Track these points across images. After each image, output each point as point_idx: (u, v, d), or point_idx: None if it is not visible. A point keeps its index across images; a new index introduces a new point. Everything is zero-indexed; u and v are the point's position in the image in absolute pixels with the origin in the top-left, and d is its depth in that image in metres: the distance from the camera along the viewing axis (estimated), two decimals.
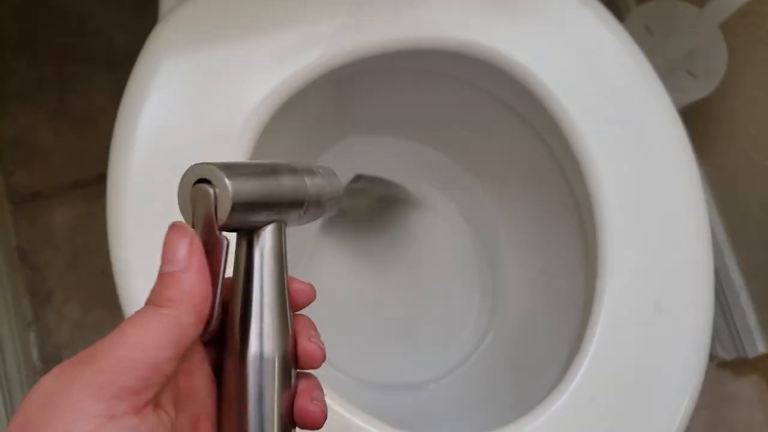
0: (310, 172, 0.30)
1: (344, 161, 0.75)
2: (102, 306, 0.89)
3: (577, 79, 0.56)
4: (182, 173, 0.51)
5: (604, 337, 0.51)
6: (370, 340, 0.72)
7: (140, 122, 0.52)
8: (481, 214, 0.75)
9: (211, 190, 0.26)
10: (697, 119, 0.89)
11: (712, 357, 0.95)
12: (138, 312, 0.25)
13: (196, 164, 0.27)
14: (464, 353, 0.71)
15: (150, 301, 0.25)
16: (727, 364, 0.95)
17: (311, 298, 0.30)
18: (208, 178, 0.26)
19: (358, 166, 0.77)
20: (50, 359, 0.89)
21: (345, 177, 0.77)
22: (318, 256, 0.75)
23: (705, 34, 0.76)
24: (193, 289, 0.25)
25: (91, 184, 0.93)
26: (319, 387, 0.29)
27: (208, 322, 0.26)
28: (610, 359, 0.50)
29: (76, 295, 0.90)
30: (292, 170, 0.29)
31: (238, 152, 0.52)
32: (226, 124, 0.52)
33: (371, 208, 0.80)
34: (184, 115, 0.52)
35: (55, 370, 0.24)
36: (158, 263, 0.49)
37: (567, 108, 0.56)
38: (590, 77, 0.56)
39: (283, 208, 0.28)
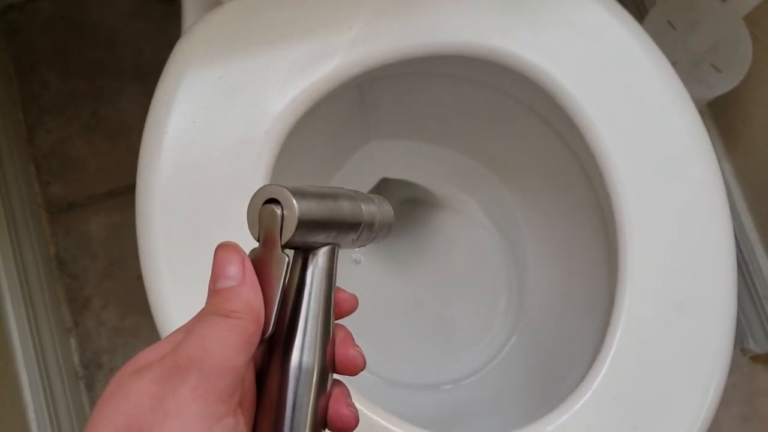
0: (366, 199, 0.33)
1: (369, 165, 0.76)
2: (138, 311, 0.92)
3: (594, 79, 0.56)
4: (208, 182, 0.53)
5: (626, 335, 0.51)
6: (396, 339, 0.73)
7: (165, 135, 0.54)
8: (505, 215, 0.76)
9: (278, 210, 0.28)
10: (724, 112, 0.88)
11: (744, 351, 0.94)
12: (208, 322, 0.27)
13: (266, 185, 0.29)
14: (491, 352, 0.72)
15: (214, 312, 0.27)
16: (761, 358, 0.94)
17: (354, 307, 0.32)
18: (277, 198, 0.28)
19: (383, 169, 0.78)
20: (90, 364, 0.91)
21: (370, 181, 0.78)
22: (344, 258, 0.76)
23: (729, 26, 0.75)
24: (252, 301, 0.28)
25: (124, 193, 0.96)
26: (350, 395, 0.31)
27: (264, 332, 0.28)
28: (632, 358, 0.50)
29: (113, 301, 0.93)
30: (350, 197, 0.32)
31: (260, 162, 0.53)
32: (248, 135, 0.54)
33: (397, 211, 0.81)
34: (207, 127, 0.54)
35: (150, 376, 0.25)
36: (186, 269, 0.51)
37: (584, 108, 0.56)
38: (607, 76, 0.56)
39: (341, 230, 0.31)
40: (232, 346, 0.26)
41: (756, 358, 0.94)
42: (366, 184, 0.76)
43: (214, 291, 0.28)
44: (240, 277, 0.28)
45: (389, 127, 0.74)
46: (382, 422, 0.48)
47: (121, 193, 0.97)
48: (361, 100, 0.68)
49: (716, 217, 0.54)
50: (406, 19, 0.56)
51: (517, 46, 0.57)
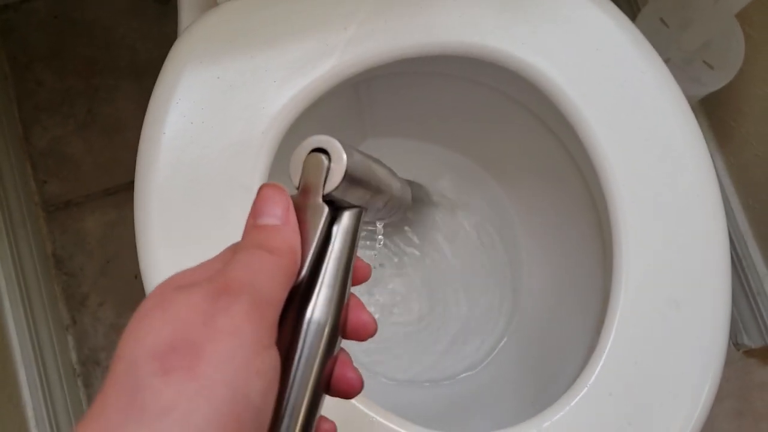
0: (396, 175, 0.34)
1: None
2: (135, 309, 0.92)
3: (589, 78, 0.57)
4: (206, 182, 0.53)
5: (621, 332, 0.51)
6: (392, 337, 0.74)
7: (163, 136, 0.54)
8: (500, 213, 0.76)
9: (326, 161, 0.28)
10: (716, 109, 0.88)
11: (738, 346, 0.95)
12: (253, 254, 0.26)
13: (317, 135, 0.29)
14: (485, 349, 0.73)
15: (257, 246, 0.26)
16: (754, 353, 0.95)
17: (367, 276, 0.32)
18: (326, 149, 0.29)
19: None
20: (87, 361, 0.92)
21: None
22: None
23: (721, 24, 0.75)
24: (293, 243, 0.27)
25: (121, 190, 0.96)
26: (352, 362, 0.30)
27: (297, 277, 0.28)
28: (628, 354, 0.51)
29: (110, 298, 0.93)
30: (386, 168, 0.33)
31: (258, 162, 0.53)
32: (246, 135, 0.54)
33: None
34: (205, 127, 0.54)
35: (199, 292, 0.24)
36: (182, 265, 0.51)
37: (580, 107, 0.56)
38: (602, 75, 0.57)
39: (375, 194, 0.31)
40: (278, 281, 0.26)
41: (749, 353, 0.95)
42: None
43: (255, 226, 0.27)
44: (285, 217, 0.27)
45: (385, 125, 0.74)
46: (380, 419, 0.49)
47: (117, 191, 0.97)
48: (358, 99, 0.69)
49: (710, 215, 0.54)
50: (402, 18, 0.57)
51: (512, 46, 0.57)
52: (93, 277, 0.94)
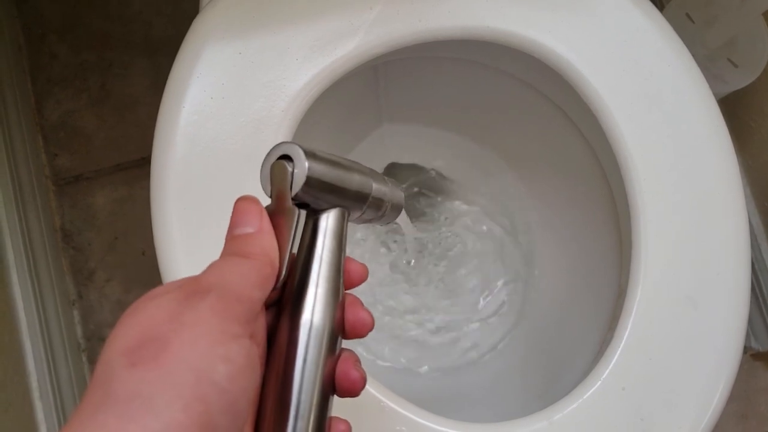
0: (378, 178, 0.34)
1: (379, 149, 0.76)
2: (142, 286, 0.92)
3: (614, 68, 0.56)
4: (224, 158, 0.52)
5: (638, 327, 0.51)
6: (401, 325, 0.73)
7: (183, 109, 0.53)
8: (515, 203, 0.75)
9: (289, 167, 0.29)
10: (736, 109, 0.87)
11: (745, 349, 0.94)
12: (227, 260, 0.28)
13: (282, 142, 0.30)
14: (493, 341, 0.72)
15: (231, 254, 0.28)
16: (761, 356, 0.94)
17: (364, 277, 0.33)
18: (290, 155, 0.30)
19: (393, 154, 0.77)
20: (93, 336, 0.91)
21: (380, 164, 0.77)
22: (352, 241, 0.76)
23: (747, 22, 0.75)
24: (268, 247, 0.29)
25: (131, 167, 0.96)
26: (359, 361, 0.31)
27: (277, 279, 0.29)
28: (643, 350, 0.51)
29: (117, 275, 0.93)
30: (363, 172, 0.33)
31: (277, 140, 0.53)
32: (266, 113, 0.53)
33: (405, 196, 0.81)
34: (225, 102, 0.54)
35: (169, 297, 0.26)
36: (200, 245, 0.51)
37: (603, 97, 0.55)
38: (627, 66, 0.56)
39: (347, 198, 0.32)
40: (249, 280, 0.27)
41: (756, 356, 0.95)
42: (375, 168, 0.76)
43: (231, 237, 0.29)
44: (258, 225, 0.29)
45: (402, 110, 0.73)
46: (390, 404, 0.48)
47: (128, 167, 0.96)
48: (376, 81, 0.68)
49: (732, 213, 0.54)
50: (427, 1, 0.56)
51: (538, 33, 0.56)
52: (101, 252, 0.94)
